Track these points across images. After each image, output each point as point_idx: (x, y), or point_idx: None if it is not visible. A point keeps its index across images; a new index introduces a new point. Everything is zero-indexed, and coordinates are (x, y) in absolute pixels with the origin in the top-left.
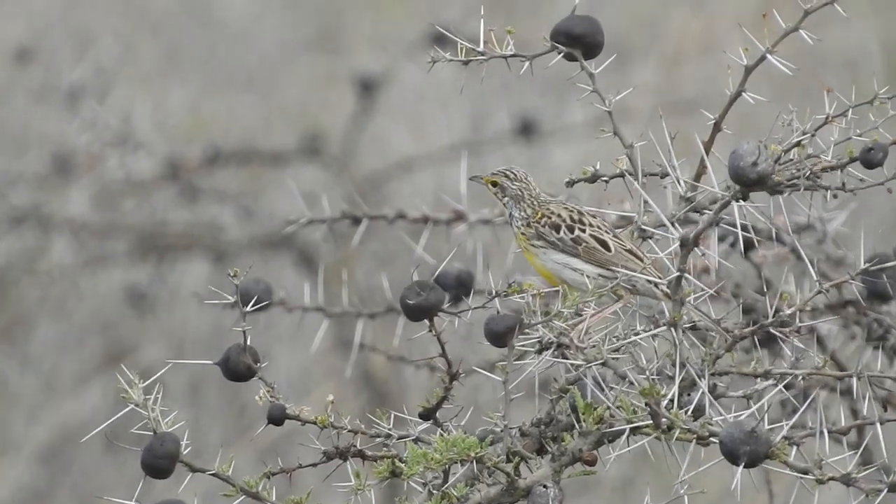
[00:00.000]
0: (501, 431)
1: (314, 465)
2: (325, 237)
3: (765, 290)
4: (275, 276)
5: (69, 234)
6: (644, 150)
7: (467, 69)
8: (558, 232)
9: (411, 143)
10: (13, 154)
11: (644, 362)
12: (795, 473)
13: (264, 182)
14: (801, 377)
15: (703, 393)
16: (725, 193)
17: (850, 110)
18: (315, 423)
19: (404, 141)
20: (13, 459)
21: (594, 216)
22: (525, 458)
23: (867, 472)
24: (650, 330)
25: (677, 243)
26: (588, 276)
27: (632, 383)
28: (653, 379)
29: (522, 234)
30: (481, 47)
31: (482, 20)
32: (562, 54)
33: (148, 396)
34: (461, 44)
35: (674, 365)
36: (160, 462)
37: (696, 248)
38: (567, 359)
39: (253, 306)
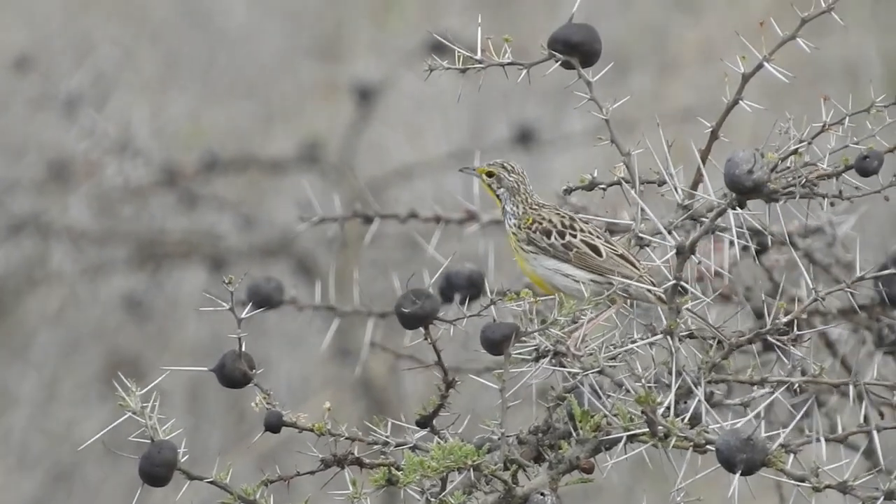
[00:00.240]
0: (499, 439)
1: (312, 472)
2: (335, 236)
3: (770, 294)
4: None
5: (68, 241)
6: (642, 157)
7: (466, 78)
8: (549, 237)
9: (410, 151)
10: (12, 161)
11: (640, 370)
12: (792, 481)
13: (263, 190)
14: (797, 385)
15: (699, 401)
16: (721, 201)
17: (847, 118)
18: (312, 430)
19: (403, 149)
20: (12, 466)
21: (586, 221)
22: (522, 465)
23: (864, 479)
24: (647, 338)
25: (673, 251)
26: (580, 282)
27: (628, 391)
28: (649, 387)
29: (514, 234)
30: (479, 55)
31: (479, 28)
32: (559, 62)
33: (145, 404)
34: (459, 52)
35: (670, 373)
36: (157, 470)
37: (692, 256)
38: (564, 367)
39: (258, 307)
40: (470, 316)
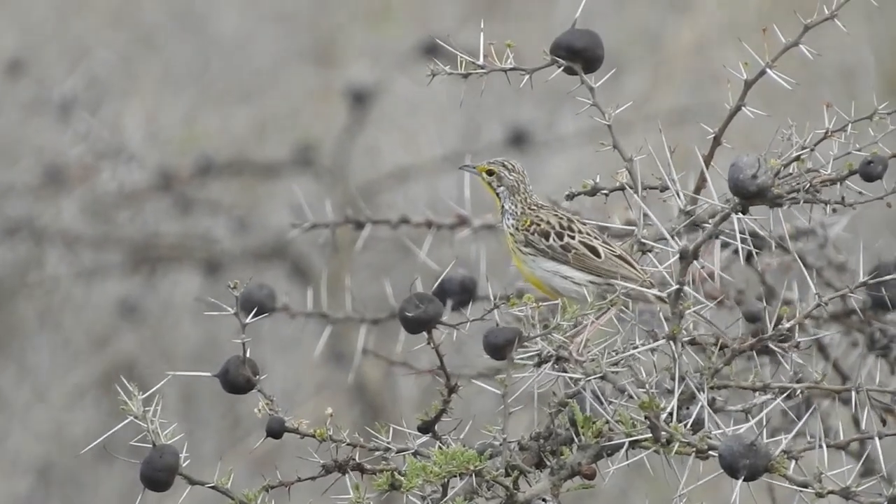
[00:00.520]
0: (500, 445)
1: (313, 478)
2: (326, 242)
3: (765, 298)
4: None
5: (62, 245)
6: (641, 162)
7: (463, 82)
8: (548, 239)
9: (404, 154)
10: (6, 165)
11: (643, 376)
12: (795, 487)
13: (257, 194)
14: (800, 391)
15: (701, 406)
16: (725, 206)
17: (850, 125)
18: (314, 436)
19: (397, 152)
20: (8, 471)
21: (584, 222)
22: (524, 471)
23: (867, 485)
24: (649, 343)
25: (677, 256)
26: (579, 284)
27: (631, 397)
28: (652, 392)
29: (511, 235)
30: (481, 61)
31: (482, 33)
32: (562, 68)
33: (147, 408)
34: (461, 57)
35: (673, 378)
36: (159, 475)
37: (695, 261)
38: (566, 372)
39: (254, 315)
40: (473, 320)
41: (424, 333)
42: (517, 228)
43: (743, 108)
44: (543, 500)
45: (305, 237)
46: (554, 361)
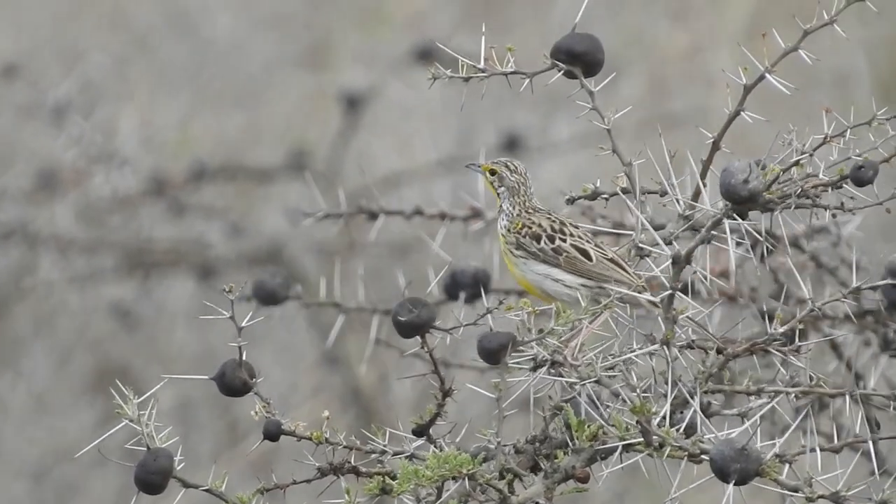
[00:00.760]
0: (495, 448)
1: (308, 481)
2: (331, 239)
3: (775, 297)
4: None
5: (56, 250)
6: (637, 166)
7: (459, 86)
8: (539, 242)
9: (397, 159)
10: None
11: (635, 380)
12: (786, 491)
13: (251, 198)
14: (794, 395)
15: (695, 411)
16: (718, 211)
17: (849, 131)
18: (311, 439)
19: (390, 157)
20: (4, 475)
21: (576, 226)
22: (518, 475)
23: (857, 489)
24: (644, 348)
25: (670, 261)
26: (570, 287)
27: (625, 401)
28: (644, 397)
29: (503, 236)
30: (482, 65)
31: (483, 37)
32: (562, 72)
33: (142, 412)
34: (462, 61)
35: (667, 383)
36: (153, 478)
37: (688, 265)
38: (561, 376)
39: (266, 304)
40: (467, 325)
41: (418, 338)
42: (509, 230)
43: (742, 112)
44: (537, 503)
45: (300, 242)
46: (549, 366)
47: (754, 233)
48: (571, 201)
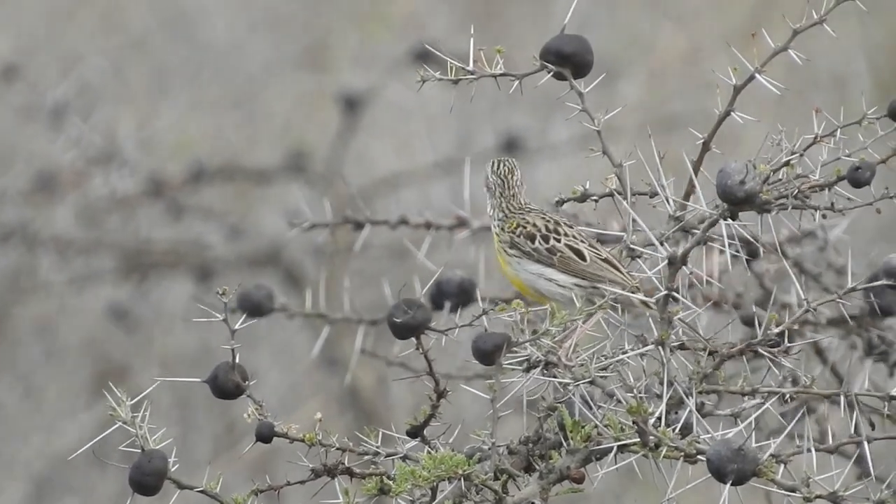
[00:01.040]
0: (489, 449)
1: (302, 482)
2: (320, 248)
3: (761, 302)
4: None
5: (55, 252)
6: (633, 168)
7: (455, 88)
8: (533, 242)
9: (396, 160)
10: None
11: (632, 380)
12: (783, 491)
13: (250, 200)
14: (788, 395)
15: (690, 411)
16: (713, 212)
17: (839, 130)
18: (303, 441)
19: (389, 158)
20: (1, 478)
21: (571, 225)
22: (513, 475)
23: (855, 489)
24: (638, 349)
25: (665, 262)
26: (563, 287)
27: (619, 401)
28: (640, 397)
29: (497, 235)
30: (471, 66)
31: (472, 39)
32: (551, 73)
33: (136, 414)
34: (451, 63)
35: (661, 383)
36: (148, 479)
37: (683, 267)
38: (555, 377)
39: (252, 316)
40: (461, 326)
41: (413, 339)
42: (502, 229)
43: (732, 113)
44: (532, 503)
45: (299, 243)
46: (543, 366)
47: (747, 235)
48: (561, 203)
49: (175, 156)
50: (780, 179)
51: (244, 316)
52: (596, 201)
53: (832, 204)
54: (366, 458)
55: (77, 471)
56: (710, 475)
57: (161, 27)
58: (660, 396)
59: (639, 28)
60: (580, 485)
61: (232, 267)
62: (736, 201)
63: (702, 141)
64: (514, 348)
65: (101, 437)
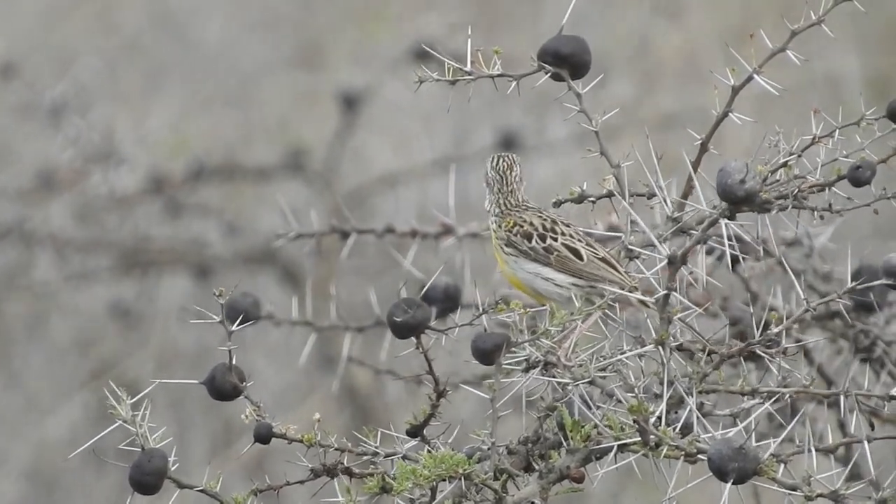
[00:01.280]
0: (489, 449)
1: (301, 482)
2: (312, 251)
3: (751, 303)
4: (259, 292)
5: (52, 249)
6: (629, 167)
7: (452, 87)
8: (530, 241)
9: (394, 158)
10: None
11: (632, 380)
12: (784, 490)
13: (247, 198)
14: (788, 395)
15: (690, 410)
16: (713, 212)
17: (837, 131)
18: (302, 441)
19: (387, 157)
20: None
21: (568, 224)
22: (513, 475)
23: (856, 488)
24: (637, 349)
25: (665, 262)
26: (560, 286)
27: (619, 401)
28: (641, 397)
29: (494, 232)
30: (468, 67)
31: (469, 39)
32: (549, 74)
33: (136, 412)
34: (448, 63)
35: (661, 383)
36: (148, 478)
37: (683, 267)
38: (554, 377)
39: (239, 323)
40: (461, 325)
41: (413, 338)
42: (499, 226)
43: (730, 114)
44: (533, 503)
45: (295, 242)
46: (542, 366)
47: (743, 235)
48: (558, 204)
49: (171, 154)
50: (779, 179)
51: (232, 323)
52: (593, 202)
53: (830, 204)
54: (365, 458)
55: (74, 470)
56: (710, 474)
57: (155, 26)
58: (659, 396)
59: (634, 27)
60: (580, 484)
61: (230, 265)
62: (736, 200)
63: (700, 142)
64: (514, 348)
65: (101, 435)
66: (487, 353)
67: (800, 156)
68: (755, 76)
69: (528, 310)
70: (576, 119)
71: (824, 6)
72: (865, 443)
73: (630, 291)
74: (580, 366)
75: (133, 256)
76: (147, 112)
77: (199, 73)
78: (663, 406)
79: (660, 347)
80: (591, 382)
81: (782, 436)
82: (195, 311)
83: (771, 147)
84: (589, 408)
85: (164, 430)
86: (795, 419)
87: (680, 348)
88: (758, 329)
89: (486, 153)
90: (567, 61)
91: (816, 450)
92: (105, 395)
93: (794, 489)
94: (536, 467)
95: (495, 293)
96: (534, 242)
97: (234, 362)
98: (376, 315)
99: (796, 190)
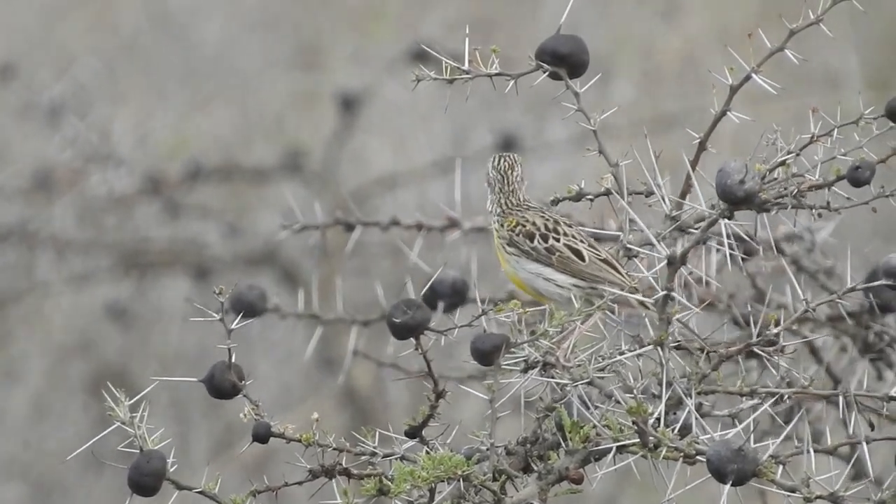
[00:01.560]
0: (488, 450)
1: (300, 483)
2: (317, 245)
3: (756, 303)
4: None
5: (52, 251)
6: (628, 167)
7: (451, 88)
8: (532, 241)
9: (393, 159)
10: None
11: (631, 381)
12: (783, 491)
13: (246, 199)
14: (787, 396)
15: (689, 411)
16: (712, 211)
17: (836, 130)
18: (300, 441)
19: (386, 158)
20: None
21: (570, 225)
22: (511, 476)
23: (855, 489)
24: (636, 349)
25: (664, 262)
26: (562, 287)
27: (618, 402)
28: (639, 397)
29: (496, 230)
30: (466, 66)
31: (466, 39)
32: (547, 73)
33: (134, 414)
34: (445, 62)
35: (660, 384)
36: (146, 480)
37: (682, 267)
38: (553, 378)
39: (246, 315)
40: (461, 326)
41: (412, 339)
42: (501, 225)
43: (728, 113)
44: None
45: (296, 242)
46: (541, 367)
47: (742, 234)
48: (556, 202)
49: (170, 155)
50: (778, 179)
51: (236, 316)
52: (591, 200)
53: (828, 203)
54: (363, 458)
55: (74, 471)
56: (708, 476)
57: (154, 27)
58: (658, 397)
59: (633, 27)
60: (579, 485)
61: (229, 266)
62: (735, 200)
63: (698, 140)
64: (513, 349)
65: (99, 436)
66: (486, 353)
67: (798, 154)
68: (753, 75)
69: (527, 310)
70: (575, 120)
71: (822, 5)
72: (864, 444)
73: (630, 293)
74: (579, 366)
75: (132, 257)
76: (146, 113)
77: (198, 74)
78: (662, 407)
79: (658, 348)
80: (589, 383)
81: (781, 437)
82: (193, 309)
83: (769, 146)
84: (588, 408)
85: (165, 432)
86: (794, 420)
87: (679, 348)
88: (756, 328)
89: (486, 154)
90: (565, 60)
91: (816, 451)
92: (113, 395)
93: (793, 490)
94: (535, 468)
95: (502, 289)
96: (536, 242)
97: (233, 361)
98: (382, 309)
99: (795, 189)
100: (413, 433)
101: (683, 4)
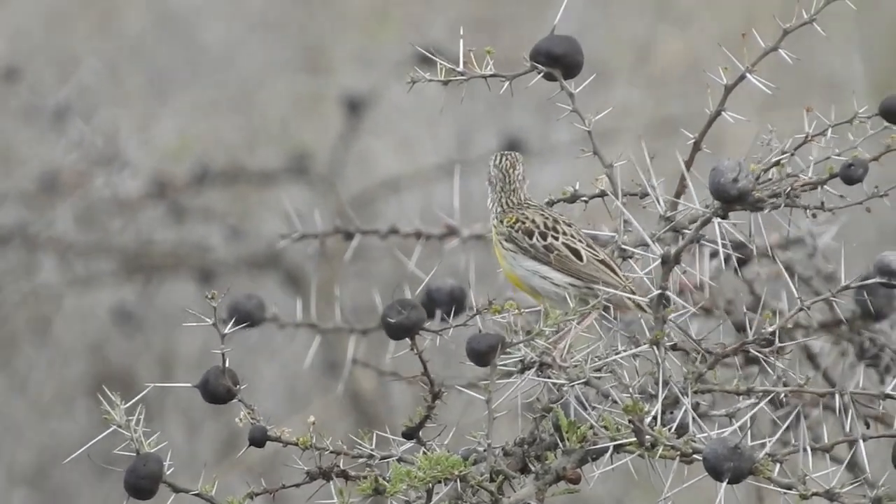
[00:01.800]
0: (485, 450)
1: (297, 485)
2: (316, 253)
3: (753, 308)
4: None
5: (55, 254)
6: (628, 169)
7: (452, 89)
8: (531, 238)
9: (398, 162)
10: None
11: (628, 380)
12: (779, 489)
13: (251, 202)
14: (783, 395)
15: (685, 410)
16: (706, 211)
17: (830, 130)
18: (297, 444)
19: (391, 160)
20: (0, 481)
21: (569, 224)
22: (509, 476)
23: (851, 486)
24: (632, 349)
25: (658, 261)
26: (558, 285)
27: (614, 402)
28: (636, 397)
29: (494, 226)
30: (461, 67)
31: (461, 40)
32: (541, 74)
33: (130, 417)
34: (441, 64)
35: (656, 383)
36: (142, 482)
37: (677, 267)
38: (550, 378)
39: (239, 324)
40: (456, 326)
41: (408, 340)
42: (500, 221)
43: (723, 113)
44: None
45: (300, 246)
46: (537, 367)
47: (739, 237)
48: (551, 204)
49: (175, 158)
50: (772, 178)
51: (234, 325)
52: (586, 202)
53: (822, 203)
54: (360, 460)
55: (77, 475)
56: (705, 474)
57: (159, 30)
58: (654, 396)
59: (636, 31)
60: (576, 485)
61: (233, 269)
62: (729, 199)
63: (692, 141)
64: (509, 349)
65: (95, 440)
66: (482, 354)
67: (792, 154)
68: (748, 75)
69: (521, 310)
70: (571, 122)
71: (816, 5)
72: (861, 441)
73: (627, 294)
74: (575, 366)
75: (136, 261)
76: (150, 116)
77: (203, 77)
78: (659, 406)
79: (655, 347)
80: (586, 383)
81: (777, 435)
82: (195, 314)
83: (764, 146)
84: (585, 408)
85: (169, 437)
86: (790, 418)
87: (675, 348)
88: (752, 329)
89: (490, 157)
90: (560, 61)
91: (812, 449)
92: (109, 398)
93: (790, 488)
94: (532, 468)
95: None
96: (534, 240)
97: (227, 365)
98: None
99: (789, 188)
100: (410, 434)
101: (687, 9)
